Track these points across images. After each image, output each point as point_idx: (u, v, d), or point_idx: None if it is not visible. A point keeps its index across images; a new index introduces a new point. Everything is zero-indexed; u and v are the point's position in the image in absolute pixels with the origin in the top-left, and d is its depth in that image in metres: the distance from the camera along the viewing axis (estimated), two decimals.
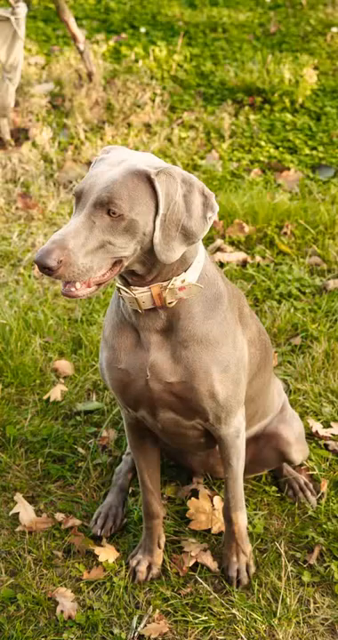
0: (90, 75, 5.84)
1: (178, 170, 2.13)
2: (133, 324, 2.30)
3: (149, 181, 2.08)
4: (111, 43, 6.70)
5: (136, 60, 6.33)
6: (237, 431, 2.50)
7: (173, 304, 2.23)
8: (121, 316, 2.33)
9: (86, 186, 2.08)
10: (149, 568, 2.67)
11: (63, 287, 2.10)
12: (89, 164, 5.10)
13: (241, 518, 2.66)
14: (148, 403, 2.39)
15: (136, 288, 2.20)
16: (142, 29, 6.95)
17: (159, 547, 2.69)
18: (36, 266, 2.04)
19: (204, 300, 2.28)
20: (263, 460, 2.89)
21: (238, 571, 2.65)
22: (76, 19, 6.31)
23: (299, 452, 2.92)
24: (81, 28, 6.47)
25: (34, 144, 5.23)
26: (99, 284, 2.11)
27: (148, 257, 2.13)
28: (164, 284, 2.19)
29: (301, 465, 3.04)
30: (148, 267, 2.16)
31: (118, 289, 2.24)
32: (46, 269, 2.00)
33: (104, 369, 2.44)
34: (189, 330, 2.28)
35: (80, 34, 5.75)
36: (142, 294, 2.20)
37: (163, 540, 2.71)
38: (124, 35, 6.91)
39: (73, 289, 2.09)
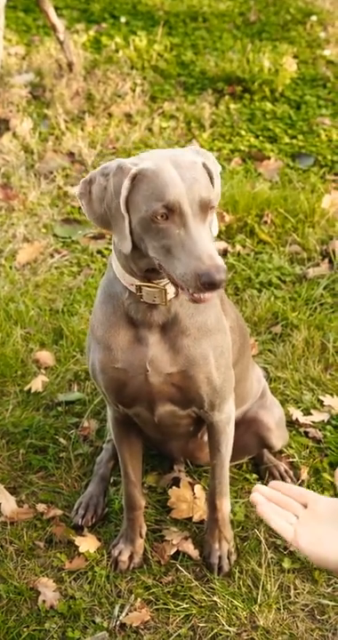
0: (70, 65, 5.83)
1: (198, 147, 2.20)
2: (134, 321, 2.30)
3: (206, 169, 2.12)
4: (91, 32, 6.67)
5: (116, 50, 6.31)
6: (228, 417, 2.54)
7: None
8: (119, 315, 2.31)
9: (179, 195, 2.01)
10: (131, 557, 2.69)
11: (199, 297, 2.05)
12: (70, 154, 5.08)
13: (225, 505, 2.69)
14: (146, 398, 2.39)
15: (161, 280, 2.20)
16: (123, 19, 6.93)
17: (141, 536, 2.71)
18: (201, 287, 1.95)
19: None
20: (244, 446, 2.91)
21: (220, 558, 2.67)
22: (56, 8, 6.28)
23: (279, 437, 2.95)
24: (61, 17, 6.43)
25: (14, 135, 5.21)
26: None
27: None
28: None
29: (281, 452, 3.06)
30: None
31: (139, 287, 2.22)
32: (223, 284, 1.98)
33: (97, 370, 2.42)
34: (191, 318, 2.30)
35: (60, 24, 5.73)
36: (168, 284, 2.20)
37: (144, 530, 2.73)
38: (104, 24, 6.89)
39: (207, 294, 2.05)
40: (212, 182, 2.14)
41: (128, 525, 2.71)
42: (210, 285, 1.96)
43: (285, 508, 1.73)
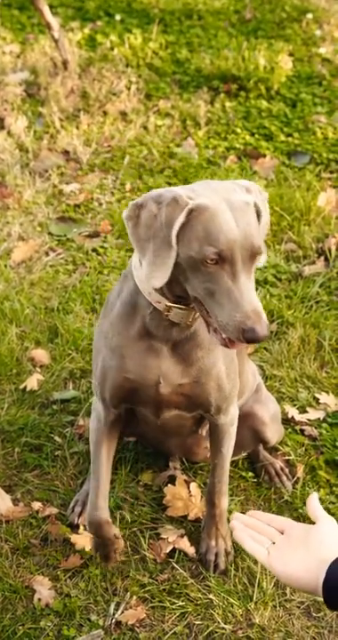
0: (65, 63, 5.81)
1: (248, 182, 2.19)
2: (151, 333, 2.29)
3: (256, 208, 2.11)
4: (86, 30, 6.66)
5: (111, 48, 6.30)
6: (232, 419, 2.56)
7: None
8: (138, 327, 2.29)
9: (232, 242, 1.99)
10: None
11: (232, 344, 2.07)
12: (65, 152, 5.07)
13: (223, 502, 2.70)
14: (154, 404, 2.40)
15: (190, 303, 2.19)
16: (117, 17, 6.91)
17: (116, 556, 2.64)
18: (242, 338, 1.96)
19: None
20: (239, 441, 2.90)
21: (217, 555, 2.67)
22: (51, 6, 6.26)
23: (274, 431, 2.95)
24: (56, 15, 6.42)
25: (9, 133, 5.20)
26: None
27: None
28: None
29: (277, 450, 3.06)
30: None
31: (169, 307, 2.20)
32: (263, 340, 2.01)
33: (108, 377, 2.41)
34: (205, 333, 2.28)
35: (54, 22, 5.72)
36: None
37: (121, 547, 2.63)
38: (99, 22, 6.88)
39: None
40: (258, 220, 2.12)
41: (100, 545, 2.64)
42: (253, 341, 1.97)
43: (262, 533, 1.86)
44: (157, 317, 2.25)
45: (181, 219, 2.02)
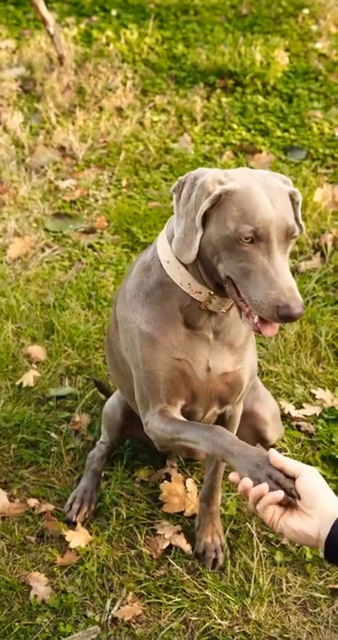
0: (61, 58, 5.80)
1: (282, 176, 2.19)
2: (190, 324, 2.27)
3: (291, 199, 2.11)
4: (82, 26, 6.65)
5: (107, 44, 6.29)
6: (240, 410, 2.57)
7: None
8: (174, 316, 2.27)
9: (268, 221, 2.00)
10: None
11: (267, 328, 2.06)
12: (61, 148, 5.07)
13: (219, 498, 2.71)
14: (205, 395, 2.37)
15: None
16: (113, 12, 6.90)
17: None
18: (276, 317, 1.96)
19: None
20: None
21: (215, 551, 2.67)
22: (47, 2, 6.25)
23: (275, 430, 2.94)
24: (51, 11, 6.41)
25: (5, 129, 5.19)
26: None
27: None
28: None
29: (273, 446, 3.06)
30: None
31: (211, 296, 2.20)
32: (298, 318, 1.98)
33: (156, 369, 2.32)
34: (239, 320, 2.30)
35: (50, 17, 5.70)
36: None
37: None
38: (94, 18, 6.86)
39: (278, 324, 2.07)
40: (295, 212, 2.13)
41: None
42: (287, 318, 1.96)
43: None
44: (195, 309, 2.24)
45: (206, 204, 2.05)
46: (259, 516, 1.91)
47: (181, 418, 2.33)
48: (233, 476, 1.97)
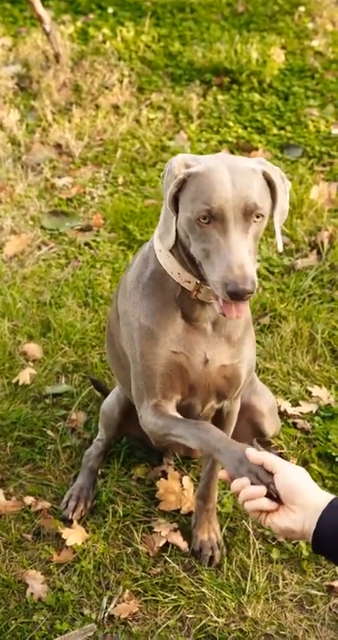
0: (57, 56, 5.79)
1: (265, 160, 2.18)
2: (187, 316, 2.27)
3: (265, 177, 2.10)
4: (78, 23, 6.64)
5: (104, 41, 6.28)
6: (238, 407, 2.57)
7: None
8: (172, 308, 2.27)
9: (224, 200, 1.99)
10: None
11: (231, 310, 2.05)
12: (58, 146, 5.06)
13: (216, 496, 2.71)
14: (202, 388, 2.37)
15: None
16: (110, 10, 6.89)
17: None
18: (227, 295, 1.96)
19: None
20: (237, 434, 2.90)
21: (212, 549, 2.67)
22: None
23: (272, 423, 2.94)
24: (47, 8, 6.40)
25: (1, 126, 5.18)
26: None
27: None
28: None
29: (270, 444, 3.06)
30: None
31: (199, 285, 2.20)
32: (247, 295, 1.96)
33: (153, 362, 2.31)
34: None
35: (46, 15, 5.70)
36: None
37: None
38: (91, 15, 6.86)
39: (244, 306, 2.06)
40: (274, 195, 2.13)
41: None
42: (234, 295, 1.96)
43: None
44: (187, 299, 2.24)
45: (172, 188, 2.08)
46: (248, 513, 1.93)
47: (174, 413, 2.33)
48: (222, 473, 1.99)
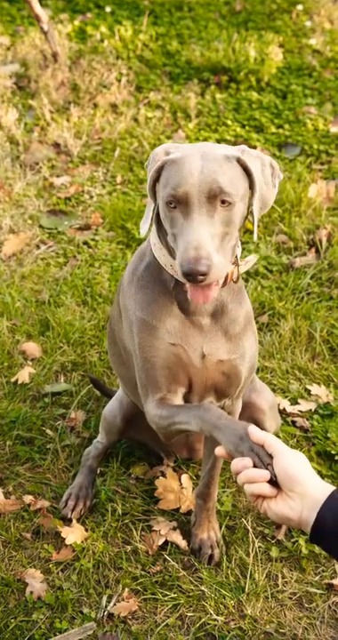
0: (55, 55, 5.80)
1: (250, 149, 2.18)
2: (184, 308, 2.27)
3: (240, 164, 2.10)
4: (76, 22, 6.64)
5: (102, 40, 6.29)
6: (239, 407, 2.56)
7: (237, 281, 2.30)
8: (168, 300, 2.28)
9: (190, 185, 2.01)
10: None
11: (197, 294, 2.05)
12: (56, 145, 5.07)
13: (215, 494, 2.70)
14: (200, 383, 2.36)
15: None
16: (108, 9, 6.90)
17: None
18: (183, 277, 1.96)
19: (240, 280, 2.35)
20: None
21: (211, 547, 2.67)
22: None
23: (272, 420, 2.93)
24: (45, 7, 6.41)
25: None
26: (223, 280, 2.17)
27: None
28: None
29: None
30: None
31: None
32: (200, 276, 1.95)
33: (154, 356, 2.31)
34: (239, 307, 2.32)
35: (43, 14, 5.70)
36: None
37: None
38: (89, 14, 6.86)
39: (210, 292, 2.05)
40: (252, 183, 2.12)
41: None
42: (188, 276, 1.96)
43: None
44: (182, 291, 2.24)
45: (152, 174, 2.13)
46: (246, 494, 1.90)
47: (179, 403, 2.34)
48: (219, 450, 1.98)
